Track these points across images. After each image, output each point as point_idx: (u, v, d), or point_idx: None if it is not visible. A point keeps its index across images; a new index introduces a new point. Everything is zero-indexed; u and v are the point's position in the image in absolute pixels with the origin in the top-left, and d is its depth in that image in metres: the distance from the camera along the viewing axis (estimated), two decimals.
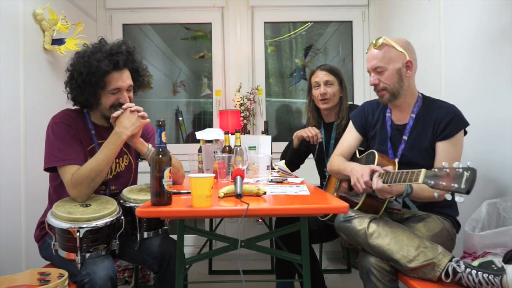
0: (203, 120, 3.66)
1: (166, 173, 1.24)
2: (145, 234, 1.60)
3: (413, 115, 1.64)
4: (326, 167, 2.28)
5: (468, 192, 1.13)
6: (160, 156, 1.25)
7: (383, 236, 1.40)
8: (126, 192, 1.62)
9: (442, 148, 1.55)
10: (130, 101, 1.62)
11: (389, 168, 1.43)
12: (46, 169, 1.55)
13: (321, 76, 2.24)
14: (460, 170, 1.16)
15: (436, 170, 1.23)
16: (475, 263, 1.34)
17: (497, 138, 1.70)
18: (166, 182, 1.24)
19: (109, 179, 1.67)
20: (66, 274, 1.36)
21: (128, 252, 1.61)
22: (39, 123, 2.08)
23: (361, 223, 1.46)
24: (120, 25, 3.29)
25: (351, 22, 3.36)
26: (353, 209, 1.54)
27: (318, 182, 2.34)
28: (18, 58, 2.09)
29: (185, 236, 1.38)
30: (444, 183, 1.18)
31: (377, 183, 1.40)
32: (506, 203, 1.53)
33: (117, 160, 1.69)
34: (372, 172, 1.47)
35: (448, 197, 1.18)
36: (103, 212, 1.44)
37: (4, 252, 1.91)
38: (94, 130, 1.65)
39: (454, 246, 1.61)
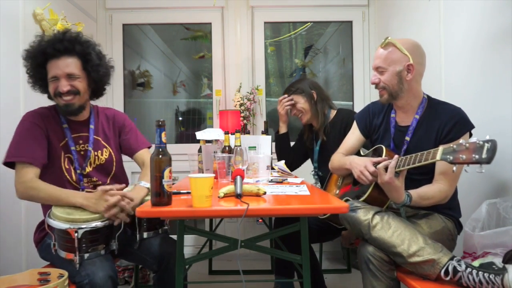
0: (203, 120, 3.66)
1: (166, 173, 1.24)
2: (145, 234, 1.60)
3: (417, 116, 1.64)
4: (312, 171, 2.34)
5: (489, 161, 1.13)
6: (160, 156, 1.25)
7: (386, 229, 1.41)
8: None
9: None
10: (76, 89, 1.57)
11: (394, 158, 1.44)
12: (4, 164, 1.56)
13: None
14: (481, 142, 1.16)
15: (454, 146, 1.23)
16: (475, 263, 1.33)
17: (497, 138, 1.69)
18: (166, 182, 1.24)
19: (90, 172, 1.66)
20: (66, 274, 1.36)
21: (128, 252, 1.61)
22: None
23: (365, 214, 1.46)
24: (120, 25, 3.29)
25: (351, 22, 3.36)
26: (359, 200, 1.55)
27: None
28: (18, 58, 2.09)
29: (185, 236, 1.38)
30: (464, 156, 1.19)
31: (388, 171, 1.41)
32: (506, 203, 1.53)
33: (96, 153, 1.69)
34: (374, 164, 1.48)
35: (468, 170, 1.19)
36: None
37: (4, 252, 1.91)
38: (67, 123, 1.65)
39: (454, 246, 1.61)
